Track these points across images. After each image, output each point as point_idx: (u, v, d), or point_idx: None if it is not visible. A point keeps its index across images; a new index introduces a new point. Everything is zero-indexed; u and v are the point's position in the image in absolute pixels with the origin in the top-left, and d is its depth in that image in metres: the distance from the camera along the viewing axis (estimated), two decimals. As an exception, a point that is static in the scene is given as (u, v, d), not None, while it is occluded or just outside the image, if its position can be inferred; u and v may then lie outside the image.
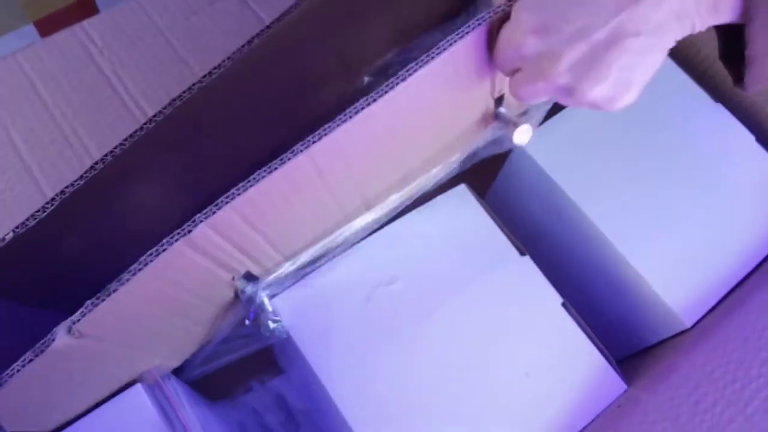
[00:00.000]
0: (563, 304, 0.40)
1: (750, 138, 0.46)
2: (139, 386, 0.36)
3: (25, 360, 0.27)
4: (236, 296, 0.36)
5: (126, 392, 0.36)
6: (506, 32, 0.31)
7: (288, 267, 0.37)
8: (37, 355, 0.27)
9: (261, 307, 0.37)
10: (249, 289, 0.36)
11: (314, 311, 0.39)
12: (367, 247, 0.40)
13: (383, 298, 0.39)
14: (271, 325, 0.37)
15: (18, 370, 0.27)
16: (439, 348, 0.39)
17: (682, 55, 0.50)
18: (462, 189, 0.42)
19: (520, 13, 0.31)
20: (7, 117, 0.42)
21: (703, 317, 0.41)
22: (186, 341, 0.39)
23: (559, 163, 0.44)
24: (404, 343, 0.39)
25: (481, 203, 0.42)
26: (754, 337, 0.40)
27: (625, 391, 0.38)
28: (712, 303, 0.41)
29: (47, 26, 0.58)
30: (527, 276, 0.41)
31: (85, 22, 0.46)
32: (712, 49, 0.49)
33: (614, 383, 0.38)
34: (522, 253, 0.41)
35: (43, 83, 0.43)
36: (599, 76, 0.30)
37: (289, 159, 0.29)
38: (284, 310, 0.38)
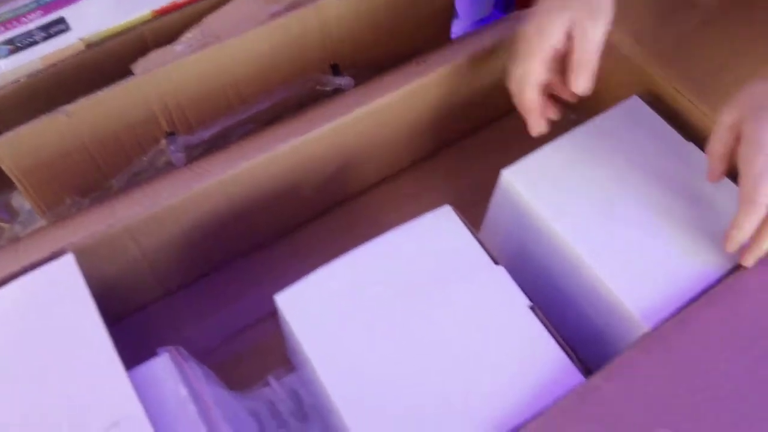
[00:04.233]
0: (531, 307, 0.45)
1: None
2: (167, 355, 0.44)
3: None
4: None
5: (153, 360, 0.44)
6: None
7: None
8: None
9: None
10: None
11: (313, 307, 0.45)
12: (359, 255, 0.47)
13: (372, 299, 0.46)
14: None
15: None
16: (418, 344, 0.44)
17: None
18: (447, 209, 0.49)
19: None
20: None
21: (665, 323, 0.45)
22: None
23: (538, 191, 0.50)
24: (389, 338, 0.44)
25: (462, 220, 0.49)
26: (714, 341, 0.44)
27: (586, 382, 0.43)
28: (670, 310, 0.45)
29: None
30: (499, 283, 0.46)
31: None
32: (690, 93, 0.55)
33: (573, 374, 0.43)
34: (496, 263, 0.47)
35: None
36: None
37: None
38: (286, 306, 0.45)
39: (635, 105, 0.55)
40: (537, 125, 0.51)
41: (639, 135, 0.53)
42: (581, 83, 0.48)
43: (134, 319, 0.58)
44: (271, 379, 0.53)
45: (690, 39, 0.57)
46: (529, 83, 0.49)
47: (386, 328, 0.45)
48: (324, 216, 0.64)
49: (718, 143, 0.45)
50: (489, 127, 0.70)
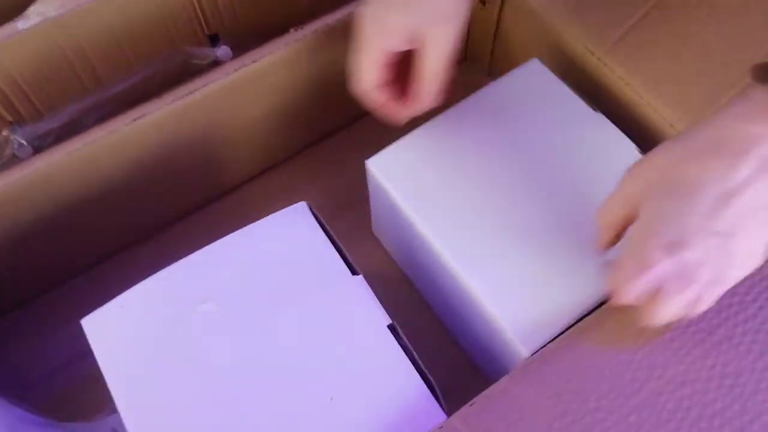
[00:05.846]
0: (390, 326, 0.38)
1: (631, 147, 0.42)
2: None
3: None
4: None
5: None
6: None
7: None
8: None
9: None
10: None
11: (121, 333, 0.38)
12: (190, 263, 0.39)
13: (195, 318, 0.38)
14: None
15: None
16: (247, 372, 0.36)
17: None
18: (302, 206, 0.41)
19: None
20: None
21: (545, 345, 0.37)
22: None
23: (406, 184, 0.42)
24: (208, 367, 0.37)
25: (320, 221, 0.41)
26: (593, 370, 0.36)
27: (446, 420, 0.35)
28: (553, 333, 0.37)
29: None
30: (356, 296, 0.39)
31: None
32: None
33: (433, 412, 0.35)
34: (354, 273, 0.39)
35: None
36: None
37: None
38: (91, 331, 0.38)
39: (534, 69, 0.46)
40: (388, 120, 0.43)
41: (535, 105, 0.45)
42: (426, 97, 0.41)
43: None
44: (119, 406, 0.46)
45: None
46: (360, 82, 0.42)
47: (205, 350, 0.37)
48: (191, 215, 0.55)
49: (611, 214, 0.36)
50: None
